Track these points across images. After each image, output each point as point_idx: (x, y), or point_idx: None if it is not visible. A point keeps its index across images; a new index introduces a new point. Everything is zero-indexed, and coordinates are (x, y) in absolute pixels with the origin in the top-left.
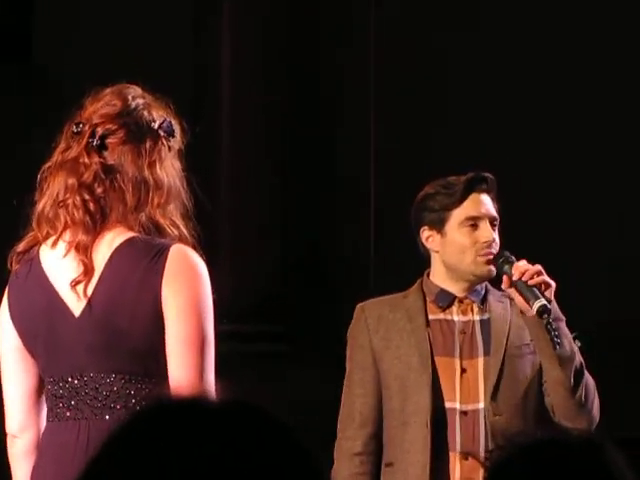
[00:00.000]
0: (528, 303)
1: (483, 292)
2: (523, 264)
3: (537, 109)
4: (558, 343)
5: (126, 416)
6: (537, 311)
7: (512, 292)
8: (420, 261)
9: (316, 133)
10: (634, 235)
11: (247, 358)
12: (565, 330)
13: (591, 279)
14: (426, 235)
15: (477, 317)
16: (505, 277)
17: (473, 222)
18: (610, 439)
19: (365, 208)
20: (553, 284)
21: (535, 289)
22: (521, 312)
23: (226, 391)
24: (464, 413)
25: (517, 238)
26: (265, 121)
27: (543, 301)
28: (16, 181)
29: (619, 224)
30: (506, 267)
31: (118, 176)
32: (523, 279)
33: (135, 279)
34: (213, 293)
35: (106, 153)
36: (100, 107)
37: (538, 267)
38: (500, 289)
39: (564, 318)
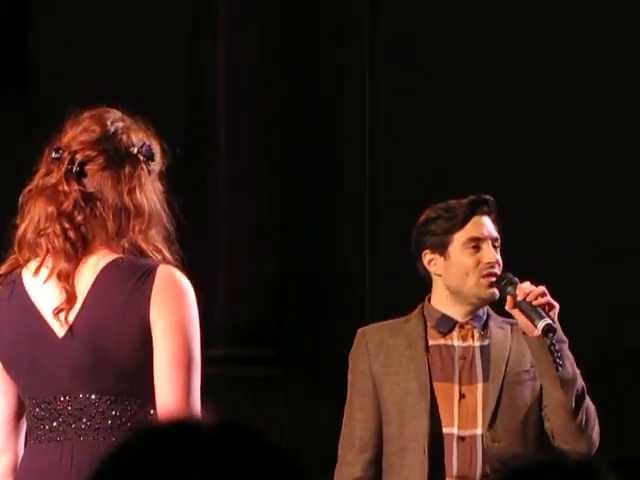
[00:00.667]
0: (533, 323)
1: (485, 317)
2: (527, 285)
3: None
4: (561, 365)
5: (115, 443)
6: (542, 330)
7: (515, 313)
8: (417, 285)
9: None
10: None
11: (240, 382)
12: (567, 352)
13: (591, 300)
14: (428, 259)
15: (477, 343)
16: (509, 298)
17: (476, 244)
18: (607, 461)
19: (361, 233)
20: (557, 305)
21: (539, 309)
22: (524, 334)
23: (215, 413)
24: (462, 438)
25: (518, 259)
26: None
27: (548, 320)
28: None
29: (620, 246)
30: (509, 288)
31: (98, 203)
32: (527, 300)
33: (121, 300)
34: (200, 315)
35: (86, 180)
36: (79, 133)
37: (542, 288)
38: (502, 314)
39: (567, 340)
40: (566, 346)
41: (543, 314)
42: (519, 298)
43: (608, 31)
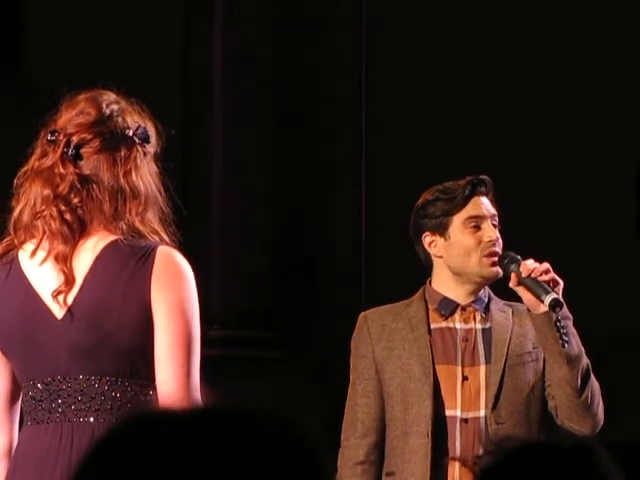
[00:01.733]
0: (539, 298)
1: (486, 300)
2: (531, 262)
3: (538, 109)
4: (566, 341)
5: (105, 430)
6: (549, 304)
7: (520, 290)
8: (414, 268)
9: (311, 135)
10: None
11: (236, 363)
12: (572, 329)
13: (592, 281)
14: (429, 241)
15: (479, 325)
16: (513, 275)
17: (475, 223)
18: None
19: (357, 212)
20: (561, 282)
21: (545, 284)
22: (528, 311)
23: (213, 395)
24: (464, 421)
25: (518, 239)
26: (257, 122)
27: (555, 295)
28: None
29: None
30: (512, 266)
31: (94, 186)
32: (532, 276)
33: (122, 281)
34: (199, 295)
35: (81, 163)
36: (74, 116)
37: (546, 265)
38: (502, 297)
39: (571, 317)
40: (571, 323)
41: (549, 289)
42: (524, 275)
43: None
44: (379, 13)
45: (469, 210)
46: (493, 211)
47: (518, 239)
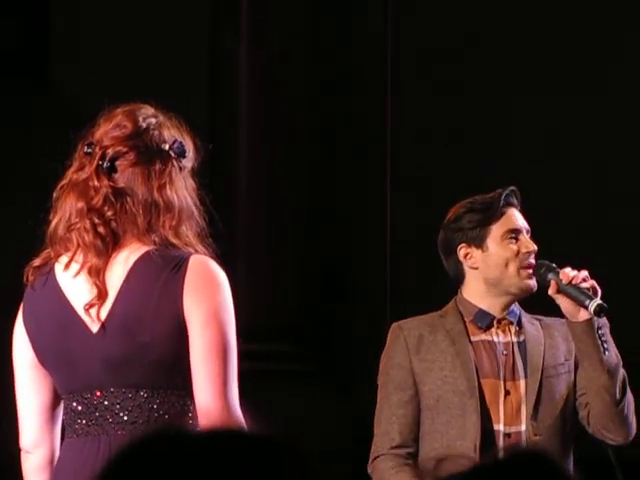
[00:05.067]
0: (582, 305)
1: (519, 313)
2: (569, 270)
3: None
4: (606, 349)
5: (118, 450)
6: (594, 310)
7: (559, 298)
8: (437, 275)
9: (336, 149)
10: None
11: (260, 377)
12: (610, 337)
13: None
14: (464, 253)
15: (515, 338)
16: (553, 283)
17: (514, 234)
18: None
19: (384, 227)
20: (599, 289)
21: (586, 291)
22: (566, 320)
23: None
24: (508, 435)
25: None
26: (287, 137)
27: (599, 300)
28: (27, 199)
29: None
30: (550, 274)
31: (128, 199)
32: (573, 283)
33: (155, 291)
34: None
35: (116, 175)
36: (111, 129)
37: (585, 272)
38: (529, 309)
39: (608, 325)
40: (608, 331)
41: (591, 295)
42: (564, 282)
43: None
44: (407, 29)
45: (507, 222)
46: (527, 225)
47: (547, 251)
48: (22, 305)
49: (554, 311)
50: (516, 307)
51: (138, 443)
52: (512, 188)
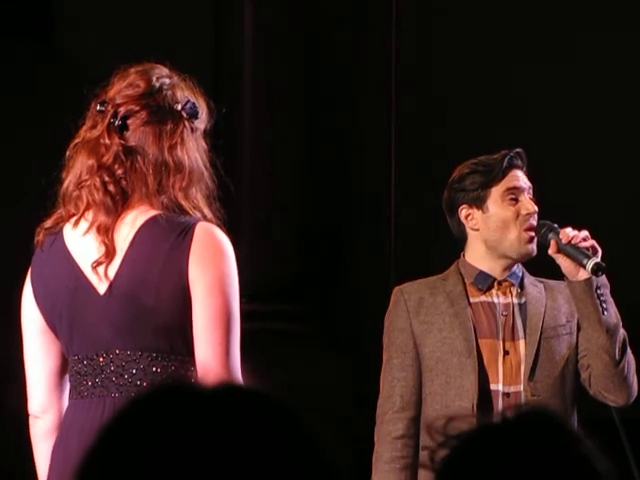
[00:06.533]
0: (580, 264)
1: (521, 275)
2: (570, 230)
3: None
4: (605, 309)
5: (120, 406)
6: (592, 269)
7: (559, 257)
8: (443, 241)
9: (336, 115)
10: None
11: (263, 337)
12: (610, 298)
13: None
14: (465, 213)
15: (516, 300)
16: (553, 242)
17: (514, 195)
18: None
19: (387, 184)
20: (599, 249)
21: (585, 250)
22: (566, 279)
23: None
24: (507, 395)
25: (552, 210)
26: (287, 84)
27: (597, 259)
28: (38, 162)
29: None
30: (551, 234)
31: (139, 158)
32: (572, 242)
33: (161, 257)
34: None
35: (127, 134)
36: (124, 87)
37: (586, 232)
38: (534, 272)
39: (609, 285)
40: (608, 291)
41: (590, 254)
42: (563, 242)
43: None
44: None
45: (507, 183)
46: (529, 184)
47: (552, 210)
48: (31, 267)
49: (557, 272)
50: (519, 269)
51: (139, 396)
52: (518, 150)
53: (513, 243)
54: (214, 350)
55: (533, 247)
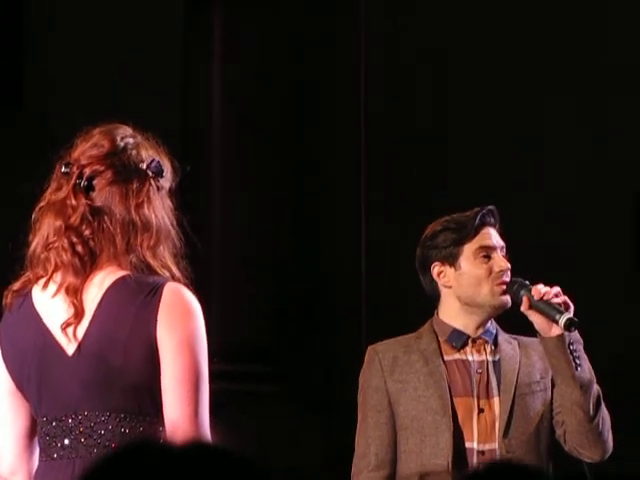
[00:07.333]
0: (553, 320)
1: (494, 332)
2: (542, 286)
3: (533, 139)
4: (579, 364)
5: (90, 465)
6: (564, 324)
7: (531, 314)
8: (416, 301)
9: (304, 180)
10: None
11: (234, 397)
12: (583, 354)
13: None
14: (437, 271)
15: (490, 357)
16: (525, 299)
17: (486, 253)
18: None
19: (358, 246)
20: (572, 305)
21: (557, 306)
22: (539, 336)
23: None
24: (481, 453)
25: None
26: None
27: (570, 314)
28: (7, 224)
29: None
30: (523, 291)
31: (106, 218)
32: (544, 298)
33: (129, 317)
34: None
35: (93, 194)
36: (88, 148)
37: (557, 288)
38: (507, 328)
39: (582, 341)
40: (581, 347)
41: (562, 310)
42: (536, 298)
43: (605, 31)
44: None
45: (479, 240)
46: (502, 243)
47: (520, 269)
48: None
49: (529, 330)
50: (492, 326)
51: (108, 455)
52: (490, 207)
53: (487, 297)
54: (183, 410)
55: (507, 298)
